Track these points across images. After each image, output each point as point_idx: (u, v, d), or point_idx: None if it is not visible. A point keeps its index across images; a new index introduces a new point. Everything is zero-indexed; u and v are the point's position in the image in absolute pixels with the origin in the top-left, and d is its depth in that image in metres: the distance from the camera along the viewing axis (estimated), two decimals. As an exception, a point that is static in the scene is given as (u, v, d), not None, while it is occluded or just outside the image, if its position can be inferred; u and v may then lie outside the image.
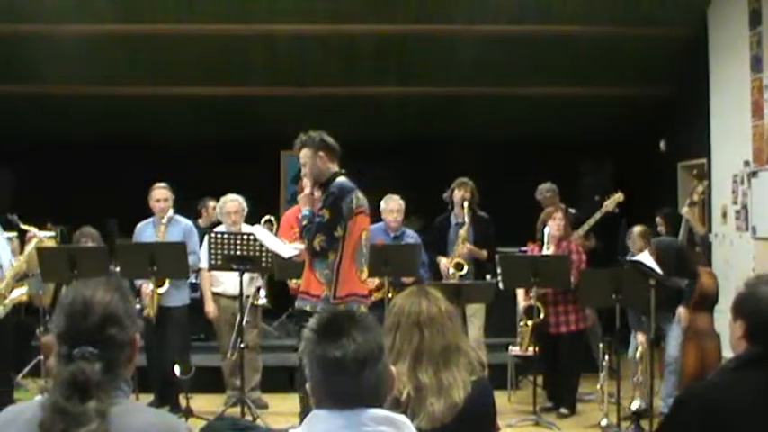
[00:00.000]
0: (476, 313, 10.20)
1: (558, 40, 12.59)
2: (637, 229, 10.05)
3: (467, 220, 10.24)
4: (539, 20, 12.29)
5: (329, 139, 7.57)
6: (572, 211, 11.10)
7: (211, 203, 11.66)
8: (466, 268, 10.13)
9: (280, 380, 10.53)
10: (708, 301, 9.89)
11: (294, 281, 9.34)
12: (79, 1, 11.82)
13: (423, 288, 4.16)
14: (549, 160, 13.80)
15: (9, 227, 9.85)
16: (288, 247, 8.10)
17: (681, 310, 9.30)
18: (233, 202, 9.90)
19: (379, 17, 12.33)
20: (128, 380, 2.76)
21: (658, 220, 10.74)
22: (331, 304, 7.27)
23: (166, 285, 9.50)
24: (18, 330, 9.88)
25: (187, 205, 11.23)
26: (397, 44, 12.89)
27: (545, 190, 11.39)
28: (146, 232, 9.82)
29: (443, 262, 10.24)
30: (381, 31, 12.60)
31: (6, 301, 9.39)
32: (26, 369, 10.34)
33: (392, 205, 10.06)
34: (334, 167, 7.55)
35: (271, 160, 14.64)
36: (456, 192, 10.37)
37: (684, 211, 10.31)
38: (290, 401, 10.00)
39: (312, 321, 2.82)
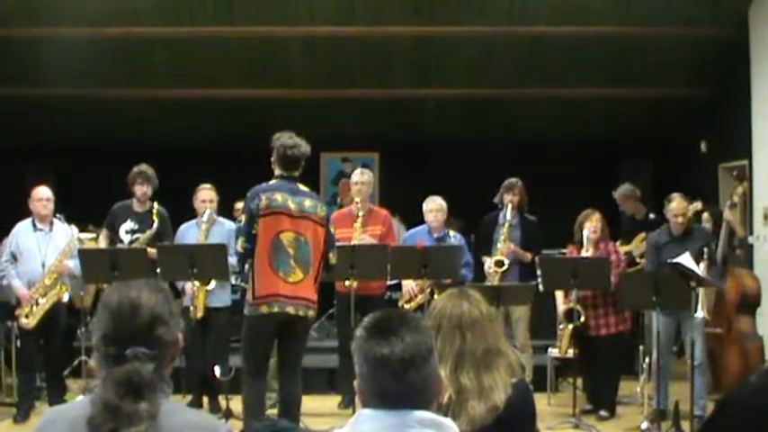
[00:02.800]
0: (521, 317, 10.21)
1: (597, 41, 12.55)
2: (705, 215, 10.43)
3: (508, 218, 10.21)
4: (578, 21, 12.25)
5: (278, 143, 7.63)
6: (652, 216, 11.01)
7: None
8: (506, 264, 10.09)
9: (319, 381, 10.56)
10: (750, 304, 9.84)
11: (347, 282, 9.37)
12: (120, 3, 11.92)
13: (463, 290, 4.14)
14: (589, 161, 13.79)
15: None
16: None
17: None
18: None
19: (417, 18, 12.33)
20: (169, 380, 2.78)
21: (705, 216, 10.65)
22: (252, 306, 7.50)
23: (213, 283, 9.54)
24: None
25: (227, 207, 11.29)
26: (435, 46, 12.89)
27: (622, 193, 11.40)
28: (189, 233, 9.88)
29: (487, 262, 10.22)
30: (420, 32, 12.61)
31: (36, 310, 9.52)
32: (68, 369, 10.42)
33: (431, 205, 10.03)
34: (280, 171, 7.66)
35: (310, 162, 14.65)
36: (504, 195, 10.34)
37: (726, 213, 10.20)
38: (330, 402, 10.05)
39: (366, 319, 2.85)
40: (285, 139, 7.62)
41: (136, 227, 9.90)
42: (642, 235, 10.79)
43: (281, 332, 7.61)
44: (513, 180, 10.41)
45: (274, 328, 7.55)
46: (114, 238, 9.92)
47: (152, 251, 9.52)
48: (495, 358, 3.93)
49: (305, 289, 7.51)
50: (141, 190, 9.94)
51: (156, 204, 9.96)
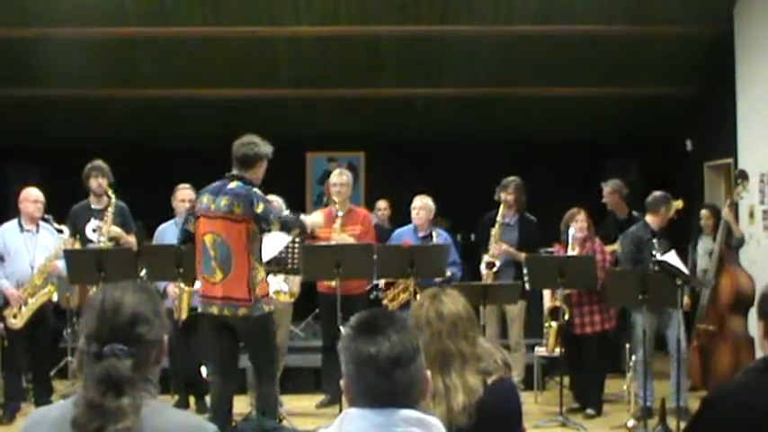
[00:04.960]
0: (516, 316, 10.28)
1: (584, 40, 12.57)
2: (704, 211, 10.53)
3: (498, 218, 10.23)
4: (564, 19, 12.27)
5: (235, 142, 7.70)
6: (635, 213, 10.98)
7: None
8: (497, 266, 10.10)
9: (306, 381, 10.56)
10: (744, 303, 9.86)
11: (331, 282, 9.42)
12: (105, 3, 11.89)
13: (438, 291, 4.14)
14: (576, 160, 13.79)
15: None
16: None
17: None
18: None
19: (404, 18, 12.33)
20: (155, 381, 2.79)
21: (705, 213, 10.63)
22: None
23: (198, 284, 9.52)
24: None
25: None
26: (422, 45, 12.89)
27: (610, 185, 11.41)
28: (168, 233, 9.87)
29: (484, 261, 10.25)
30: (407, 31, 12.61)
31: (24, 310, 9.50)
32: (54, 370, 10.39)
33: (415, 202, 10.08)
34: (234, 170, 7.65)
35: (296, 161, 14.66)
36: (500, 194, 10.35)
37: (724, 212, 10.20)
38: (317, 402, 10.04)
39: (352, 319, 2.86)
40: (242, 138, 7.71)
41: (101, 224, 9.88)
42: None
43: None
44: (510, 178, 10.42)
45: (213, 327, 7.61)
46: (82, 240, 9.88)
47: (129, 240, 9.71)
48: (455, 361, 3.92)
49: (228, 288, 7.44)
50: (97, 182, 9.96)
51: (113, 197, 9.94)
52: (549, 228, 10.25)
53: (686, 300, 10.20)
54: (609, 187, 11.37)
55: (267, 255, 8.15)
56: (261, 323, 7.59)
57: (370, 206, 12.32)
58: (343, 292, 9.04)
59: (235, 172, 7.60)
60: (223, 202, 7.43)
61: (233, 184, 7.53)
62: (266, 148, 7.69)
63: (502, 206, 10.25)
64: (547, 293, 9.94)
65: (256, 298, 7.50)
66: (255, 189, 7.61)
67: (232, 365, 7.85)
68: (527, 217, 10.50)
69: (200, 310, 7.60)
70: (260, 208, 7.43)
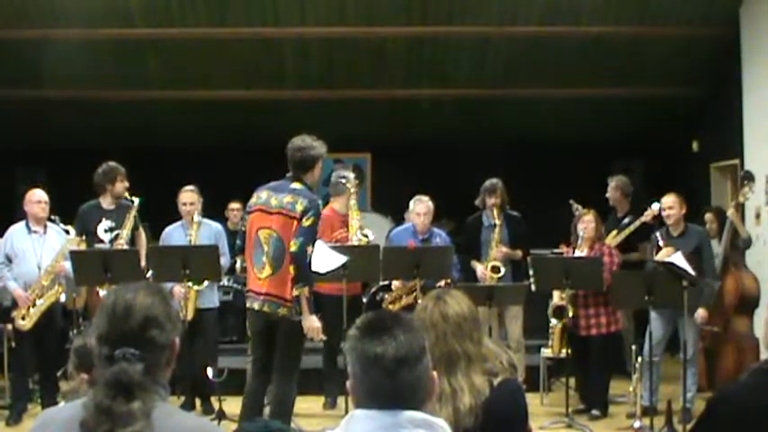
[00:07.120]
0: (515, 316, 10.22)
1: (589, 41, 12.56)
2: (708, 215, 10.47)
3: (497, 221, 10.19)
4: (570, 21, 12.27)
5: (289, 145, 7.65)
6: (629, 218, 10.95)
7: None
8: (503, 270, 10.09)
9: (310, 382, 10.54)
10: (748, 304, 9.85)
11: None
12: (110, 5, 11.90)
13: (441, 292, 4.14)
14: (581, 161, 13.76)
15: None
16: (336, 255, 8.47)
17: (700, 311, 9.24)
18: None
19: (410, 19, 12.34)
20: (165, 384, 2.78)
21: (708, 216, 10.61)
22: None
23: (206, 283, 9.53)
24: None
25: (221, 207, 11.31)
26: (428, 46, 12.90)
27: (616, 181, 11.40)
28: (174, 235, 9.87)
29: (479, 268, 10.18)
30: (412, 32, 12.61)
31: (32, 311, 9.52)
32: (60, 371, 10.40)
33: (419, 208, 10.01)
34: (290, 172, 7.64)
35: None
36: (487, 198, 10.31)
37: (730, 212, 10.20)
38: (322, 403, 10.04)
39: (359, 320, 2.85)
40: (296, 141, 7.62)
41: (114, 224, 9.88)
42: (614, 233, 10.71)
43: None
44: (494, 181, 10.34)
45: (258, 324, 7.56)
46: (92, 240, 9.88)
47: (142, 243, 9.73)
48: (461, 362, 3.93)
49: (273, 285, 7.39)
50: (123, 185, 9.98)
51: (137, 201, 9.97)
52: (554, 228, 10.24)
53: None
54: (614, 182, 11.33)
55: (322, 267, 8.13)
56: (298, 326, 7.49)
57: (375, 207, 12.29)
58: (337, 292, 9.01)
59: (293, 173, 7.60)
60: (286, 198, 7.41)
61: (297, 185, 7.52)
62: (321, 149, 7.67)
63: (495, 210, 10.21)
64: (556, 293, 9.91)
65: (289, 300, 7.44)
66: (320, 203, 7.66)
67: (269, 365, 7.77)
68: (511, 214, 10.45)
69: (248, 304, 7.55)
70: (308, 222, 7.38)
